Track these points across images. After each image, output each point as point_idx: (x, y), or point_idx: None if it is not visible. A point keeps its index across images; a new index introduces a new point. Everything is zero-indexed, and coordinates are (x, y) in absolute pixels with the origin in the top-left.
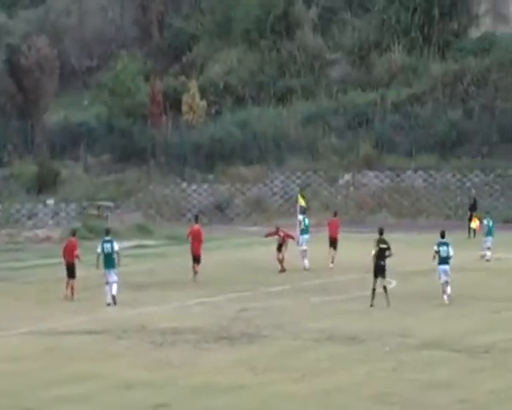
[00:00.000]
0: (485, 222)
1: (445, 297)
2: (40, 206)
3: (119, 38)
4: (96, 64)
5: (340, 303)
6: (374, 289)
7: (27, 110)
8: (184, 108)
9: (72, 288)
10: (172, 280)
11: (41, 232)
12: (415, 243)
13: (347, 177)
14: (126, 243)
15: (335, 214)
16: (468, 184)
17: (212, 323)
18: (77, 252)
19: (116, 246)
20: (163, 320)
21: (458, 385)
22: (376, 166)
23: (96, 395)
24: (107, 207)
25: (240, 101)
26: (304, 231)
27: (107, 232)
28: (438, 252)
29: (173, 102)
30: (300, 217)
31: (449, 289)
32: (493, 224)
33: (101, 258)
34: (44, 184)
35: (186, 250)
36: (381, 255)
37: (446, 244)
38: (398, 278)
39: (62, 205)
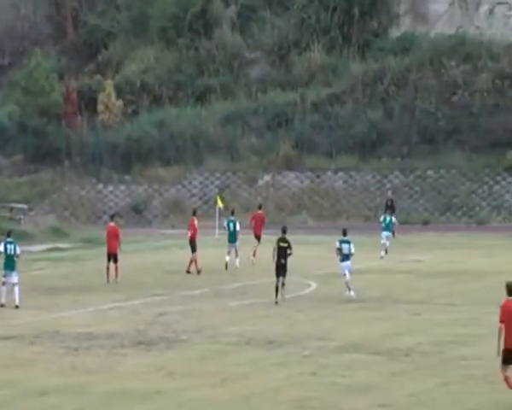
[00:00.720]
0: (381, 219)
1: (352, 293)
2: None
3: (32, 35)
4: (8, 62)
5: (259, 307)
6: (277, 287)
7: None
8: (100, 107)
9: None
10: (88, 284)
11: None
12: (335, 245)
13: (267, 177)
14: (40, 247)
15: (260, 207)
16: (388, 185)
17: (129, 327)
18: None
19: (18, 249)
20: (78, 325)
21: (378, 389)
22: (296, 166)
23: (9, 403)
24: (21, 210)
25: (157, 100)
26: (232, 238)
27: (9, 234)
28: (340, 249)
29: (89, 102)
30: (225, 223)
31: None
32: (390, 220)
33: (3, 259)
34: None
35: (102, 253)
36: (281, 254)
37: (348, 242)
38: (318, 280)
39: None
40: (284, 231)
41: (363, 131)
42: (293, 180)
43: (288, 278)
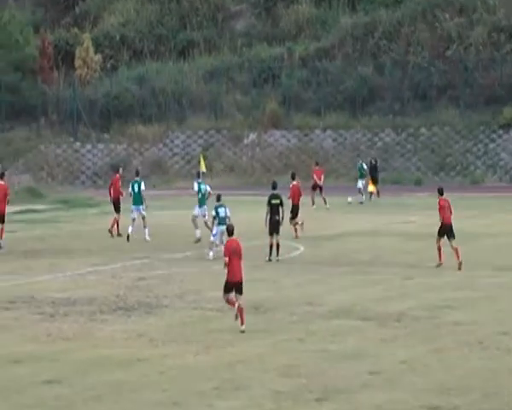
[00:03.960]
0: (357, 165)
1: (211, 254)
2: None
3: None
4: None
5: (244, 271)
6: (271, 245)
7: None
8: (77, 62)
9: None
10: (65, 247)
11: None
12: (323, 206)
13: (253, 136)
14: (14, 208)
15: (293, 177)
16: (380, 143)
17: (108, 293)
18: None
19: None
20: (54, 290)
21: (368, 356)
22: (283, 124)
23: None
24: None
25: (137, 55)
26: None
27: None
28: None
29: (65, 56)
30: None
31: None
32: (362, 166)
33: None
34: None
35: (80, 215)
36: (274, 211)
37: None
38: (306, 243)
39: None
40: (274, 187)
41: (353, 88)
42: (280, 139)
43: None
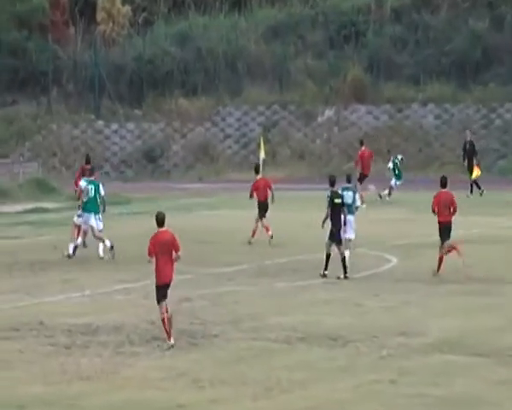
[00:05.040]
0: (390, 165)
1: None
2: None
3: None
4: None
5: (317, 289)
6: (328, 255)
7: None
8: (100, 15)
9: None
10: (83, 258)
11: None
12: (422, 204)
13: (329, 113)
14: (19, 206)
15: (362, 143)
16: (498, 121)
17: (139, 318)
18: None
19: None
20: (70, 315)
21: (483, 403)
22: (370, 97)
23: None
24: None
25: (178, 6)
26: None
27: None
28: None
29: (84, 8)
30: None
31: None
32: (397, 163)
33: None
34: None
35: (103, 216)
36: (337, 213)
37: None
38: (399, 253)
39: None
40: (333, 183)
41: (463, 48)
42: (364, 116)
43: (360, 250)
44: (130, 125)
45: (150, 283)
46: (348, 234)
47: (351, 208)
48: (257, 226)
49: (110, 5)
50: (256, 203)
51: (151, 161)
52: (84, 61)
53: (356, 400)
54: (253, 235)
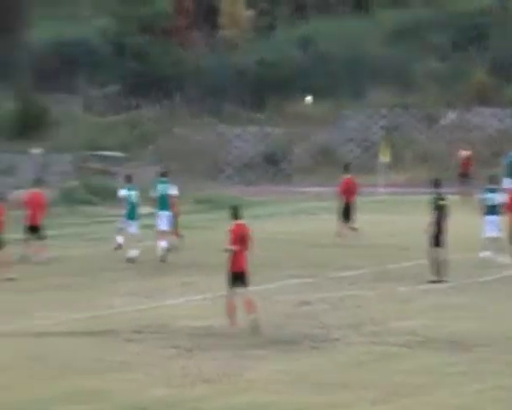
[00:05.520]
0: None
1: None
2: (21, 157)
3: None
4: None
5: (439, 294)
6: (434, 260)
7: (5, 23)
8: (223, 20)
9: None
10: (204, 261)
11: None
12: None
13: (452, 115)
14: (142, 210)
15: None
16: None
17: (261, 321)
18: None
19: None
20: (191, 317)
21: None
22: (494, 100)
23: None
24: (116, 159)
25: (300, 10)
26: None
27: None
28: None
29: (208, 12)
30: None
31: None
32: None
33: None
34: (27, 127)
35: (224, 219)
36: (440, 217)
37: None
38: None
39: (53, 156)
40: (438, 185)
41: None
42: (489, 119)
43: (484, 254)
44: (252, 129)
45: (272, 287)
46: (493, 232)
47: (496, 209)
48: (345, 228)
49: (233, 9)
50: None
51: (273, 165)
52: (206, 65)
53: (478, 405)
54: (341, 235)
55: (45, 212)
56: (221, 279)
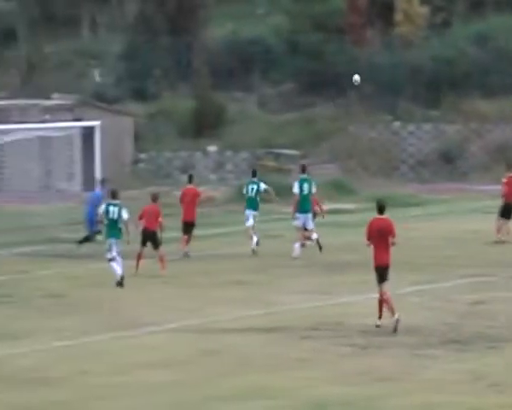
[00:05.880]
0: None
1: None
2: (199, 155)
3: None
4: None
5: None
6: None
7: (182, 23)
8: (398, 17)
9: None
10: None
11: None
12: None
13: None
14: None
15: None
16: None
17: (436, 320)
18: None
19: (125, 214)
20: (366, 315)
21: None
22: None
23: None
24: (290, 157)
25: (477, 6)
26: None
27: (114, 195)
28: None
29: (382, 10)
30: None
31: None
32: None
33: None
34: (205, 125)
35: (399, 217)
36: None
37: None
38: None
39: (228, 153)
40: None
41: None
42: None
43: None
44: (427, 127)
45: (447, 285)
46: None
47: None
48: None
49: (408, 6)
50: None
51: (448, 163)
52: (381, 63)
53: None
54: (500, 234)
55: (196, 207)
56: (398, 277)
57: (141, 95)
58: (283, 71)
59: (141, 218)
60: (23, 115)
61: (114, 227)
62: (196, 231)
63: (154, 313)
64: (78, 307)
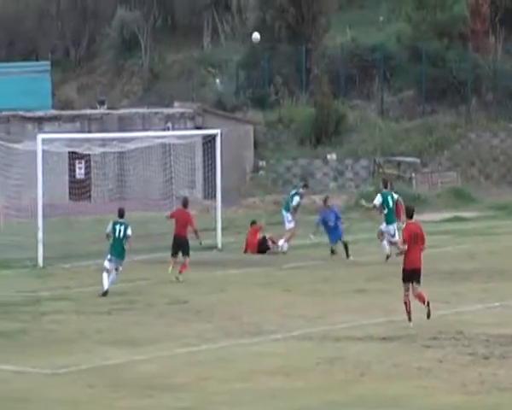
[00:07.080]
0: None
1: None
2: (318, 163)
3: None
4: None
5: None
6: None
7: (301, 30)
8: None
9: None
10: (503, 268)
11: (319, 199)
12: None
13: None
14: (438, 215)
15: None
16: None
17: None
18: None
19: (129, 230)
20: (488, 324)
21: None
22: None
23: None
24: (411, 165)
25: None
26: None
27: (121, 213)
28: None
29: (505, 16)
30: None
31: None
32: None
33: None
34: (324, 133)
35: None
36: None
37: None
38: None
39: (348, 161)
40: None
41: None
42: None
43: None
44: None
45: None
46: None
47: None
48: None
49: None
50: None
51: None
52: (503, 70)
53: None
54: None
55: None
56: None
57: (261, 103)
58: (404, 78)
59: (172, 216)
60: (145, 123)
61: (119, 245)
62: (314, 239)
63: (275, 321)
64: (201, 314)
